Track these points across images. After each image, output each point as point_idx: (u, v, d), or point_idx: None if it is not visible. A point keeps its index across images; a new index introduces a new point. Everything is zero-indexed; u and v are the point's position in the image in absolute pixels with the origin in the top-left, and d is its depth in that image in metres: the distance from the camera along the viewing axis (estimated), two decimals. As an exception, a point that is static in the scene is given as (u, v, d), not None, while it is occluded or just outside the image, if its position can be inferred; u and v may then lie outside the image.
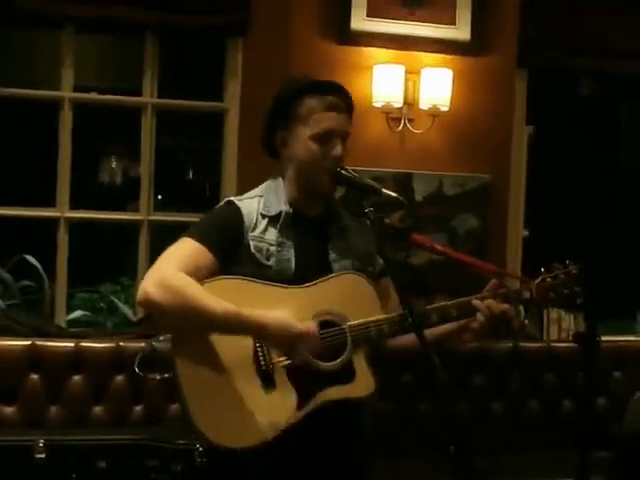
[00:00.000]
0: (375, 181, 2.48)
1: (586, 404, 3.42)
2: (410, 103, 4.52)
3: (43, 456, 3.57)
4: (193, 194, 7.11)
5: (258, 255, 2.39)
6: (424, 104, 4.49)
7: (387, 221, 2.40)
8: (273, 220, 2.45)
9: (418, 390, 4.21)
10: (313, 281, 2.39)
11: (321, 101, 2.42)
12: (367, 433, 2.56)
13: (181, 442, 3.47)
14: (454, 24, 4.58)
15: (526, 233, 4.87)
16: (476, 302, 2.44)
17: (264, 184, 2.55)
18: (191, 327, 2.29)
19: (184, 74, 5.80)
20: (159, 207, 4.97)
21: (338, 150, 2.42)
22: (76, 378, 3.99)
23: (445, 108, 4.49)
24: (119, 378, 4.01)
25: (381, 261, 2.55)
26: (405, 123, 4.53)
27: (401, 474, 3.89)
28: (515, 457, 4.13)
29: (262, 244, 2.41)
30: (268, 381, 2.31)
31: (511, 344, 4.37)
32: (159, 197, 7.32)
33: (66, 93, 4.43)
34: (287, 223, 2.45)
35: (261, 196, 2.49)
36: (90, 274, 6.34)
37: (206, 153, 6.33)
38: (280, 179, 2.52)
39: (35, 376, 3.96)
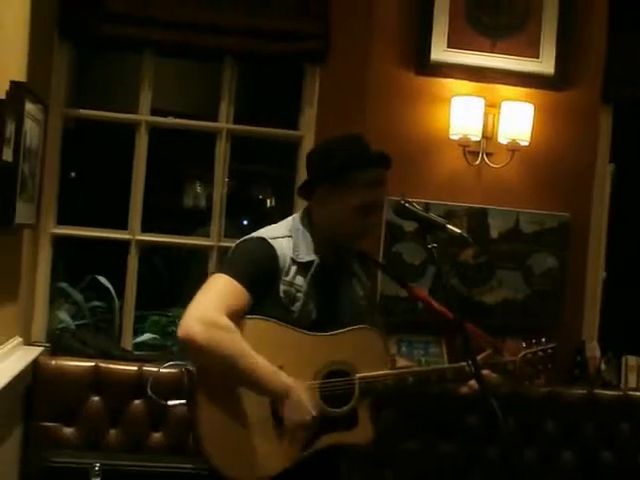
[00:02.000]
0: (448, 216, 2.51)
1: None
2: (489, 137, 4.41)
3: (99, 480, 3.56)
4: (269, 221, 7.08)
5: (285, 300, 2.49)
6: (503, 138, 4.37)
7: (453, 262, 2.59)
8: (302, 268, 2.53)
9: (484, 433, 4.07)
10: (327, 329, 2.53)
11: (370, 174, 2.50)
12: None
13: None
14: (537, 57, 4.46)
15: (605, 275, 4.70)
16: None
17: (289, 221, 2.62)
18: (224, 373, 2.38)
19: (261, 100, 5.80)
20: (239, 232, 4.96)
21: (376, 221, 2.60)
22: (137, 402, 3.98)
23: (525, 143, 4.37)
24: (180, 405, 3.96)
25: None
26: (483, 157, 4.42)
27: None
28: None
29: (291, 289, 2.53)
30: (281, 422, 2.42)
31: (585, 390, 4.21)
32: (244, 222, 7.37)
33: (143, 116, 4.46)
34: (316, 274, 2.53)
35: (290, 236, 2.53)
36: (164, 297, 6.38)
37: (283, 180, 6.33)
38: (306, 221, 2.56)
39: (96, 398, 3.95)
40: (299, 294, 2.48)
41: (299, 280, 2.50)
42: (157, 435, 3.97)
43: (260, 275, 2.44)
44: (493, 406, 2.23)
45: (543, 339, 2.73)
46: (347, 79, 4.42)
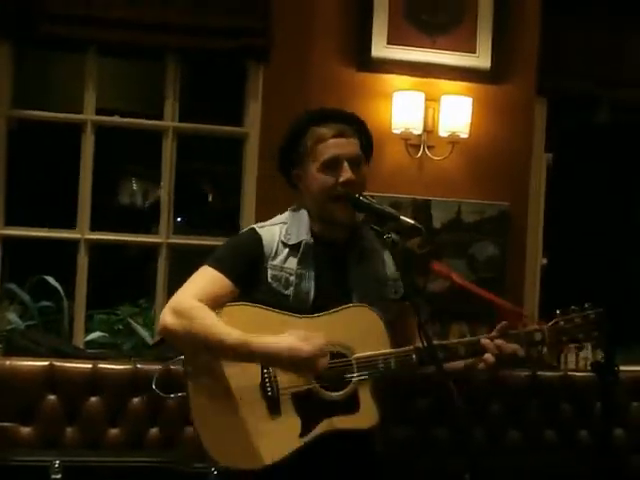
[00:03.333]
0: (394, 207, 2.51)
1: (603, 435, 3.39)
2: (429, 130, 4.53)
3: (59, 477, 3.56)
4: (213, 218, 7.15)
5: (275, 284, 2.44)
6: (443, 131, 4.50)
7: (408, 246, 2.44)
8: (293, 249, 2.48)
9: (434, 416, 4.18)
10: (326, 311, 2.44)
11: (321, 130, 2.47)
12: (379, 460, 2.59)
13: (196, 465, 3.47)
14: (474, 52, 4.60)
15: (545, 261, 4.86)
16: (485, 342, 2.48)
17: (289, 212, 2.59)
18: (204, 354, 2.35)
19: (205, 98, 5.83)
20: (179, 230, 5.00)
21: (345, 175, 2.45)
22: (93, 399, 3.99)
23: (464, 135, 4.50)
24: (136, 400, 4.00)
25: (402, 286, 2.57)
26: (424, 150, 4.54)
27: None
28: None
29: (281, 273, 2.45)
30: (274, 407, 2.37)
31: (529, 372, 4.34)
32: (178, 219, 7.36)
33: (88, 116, 4.47)
34: (307, 253, 2.48)
35: (285, 223, 2.52)
36: (110, 296, 6.37)
37: (227, 177, 6.36)
38: (304, 211, 2.56)
39: (52, 397, 3.96)
40: (291, 277, 2.44)
41: (290, 262, 2.46)
42: (114, 431, 3.98)
43: (241, 261, 2.44)
44: (450, 389, 2.19)
45: (586, 304, 2.52)
46: (290, 75, 4.49)
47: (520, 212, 4.72)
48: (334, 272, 2.52)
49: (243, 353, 2.30)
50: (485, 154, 4.65)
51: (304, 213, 2.56)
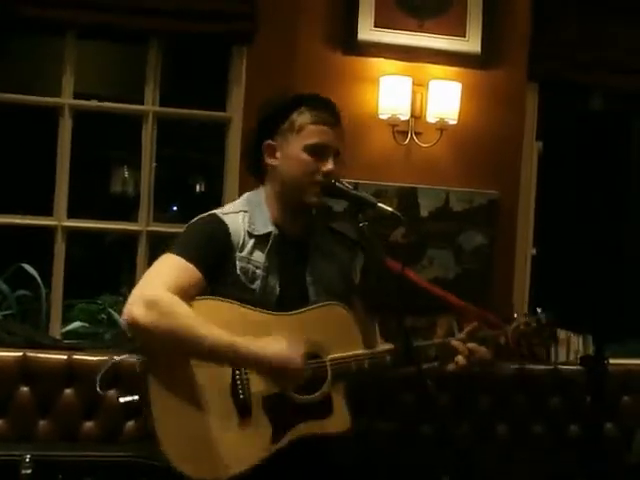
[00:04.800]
0: (379, 195, 2.44)
1: (593, 429, 3.32)
2: (417, 116, 4.42)
3: (30, 472, 3.47)
4: (197, 204, 7.05)
5: (243, 278, 2.34)
6: (431, 117, 4.39)
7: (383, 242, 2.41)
8: (260, 241, 2.38)
9: (419, 411, 4.10)
10: (293, 306, 2.36)
11: (314, 114, 2.40)
12: (343, 466, 2.51)
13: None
14: (464, 36, 4.49)
15: (534, 251, 4.76)
16: (456, 344, 2.46)
17: (245, 197, 2.50)
18: (177, 352, 2.22)
19: (187, 82, 5.73)
20: (167, 218, 4.90)
21: (330, 166, 2.39)
22: (68, 391, 3.89)
23: (453, 122, 4.39)
24: (112, 393, 3.89)
25: (356, 280, 2.56)
26: (412, 136, 4.43)
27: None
28: (518, 481, 4.05)
29: (249, 266, 2.35)
30: (244, 411, 2.26)
31: (517, 365, 4.26)
32: (174, 208, 7.27)
33: (66, 100, 4.36)
34: (274, 246, 2.38)
35: (245, 211, 2.42)
36: (91, 285, 6.27)
37: (211, 162, 6.26)
38: (262, 193, 2.46)
39: (25, 388, 3.85)
40: (258, 270, 2.34)
41: (257, 255, 2.36)
42: (89, 424, 3.89)
43: (210, 251, 2.32)
44: (427, 384, 2.20)
45: (539, 310, 2.60)
46: (274, 59, 4.37)
47: (510, 201, 4.62)
48: (294, 267, 2.45)
49: (226, 356, 2.20)
50: (474, 141, 4.54)
51: (262, 199, 2.47)
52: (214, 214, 2.42)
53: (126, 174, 7.75)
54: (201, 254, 2.31)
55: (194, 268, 2.28)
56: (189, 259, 2.28)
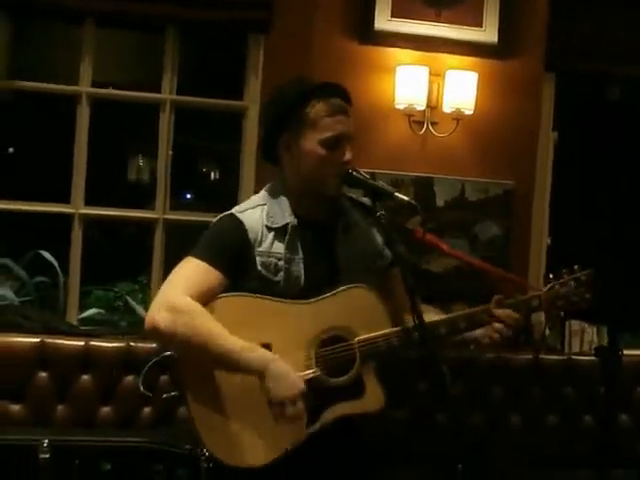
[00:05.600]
0: (396, 185, 2.44)
1: (607, 420, 3.33)
2: (433, 106, 4.43)
3: (47, 456, 3.51)
4: (213, 193, 7.08)
5: (265, 272, 2.36)
6: (448, 107, 4.39)
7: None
8: (279, 233, 2.39)
9: (434, 400, 4.11)
10: (323, 291, 2.37)
11: (328, 104, 2.39)
12: (367, 450, 2.54)
13: (188, 447, 3.39)
14: (481, 26, 4.49)
15: (549, 241, 4.76)
16: (496, 310, 2.44)
17: (263, 192, 2.50)
18: (194, 356, 2.27)
19: (205, 71, 5.74)
20: (183, 206, 4.92)
21: (349, 155, 2.40)
22: (85, 377, 3.92)
23: (469, 112, 4.39)
24: (129, 379, 3.92)
25: (388, 253, 2.52)
26: (428, 126, 4.43)
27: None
28: (532, 472, 4.04)
29: (270, 259, 2.36)
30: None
31: (531, 355, 4.26)
32: (187, 196, 7.29)
33: (84, 88, 4.38)
34: (294, 236, 2.39)
35: (264, 204, 2.43)
36: (109, 272, 6.30)
37: (228, 151, 6.27)
38: (279, 186, 2.47)
39: (43, 374, 3.88)
40: (280, 262, 2.36)
41: (277, 247, 2.38)
42: (106, 409, 3.92)
43: (228, 250, 2.35)
44: (442, 371, 2.16)
45: (575, 266, 2.49)
46: (291, 49, 4.38)
47: (525, 191, 4.62)
48: (320, 252, 2.45)
49: (237, 364, 2.25)
50: (490, 131, 4.54)
51: (280, 191, 2.47)
52: (231, 214, 2.44)
53: (141, 162, 7.76)
54: (221, 255, 2.34)
55: (215, 270, 2.33)
56: (206, 260, 2.33)
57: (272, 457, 2.27)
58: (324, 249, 2.45)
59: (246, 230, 2.37)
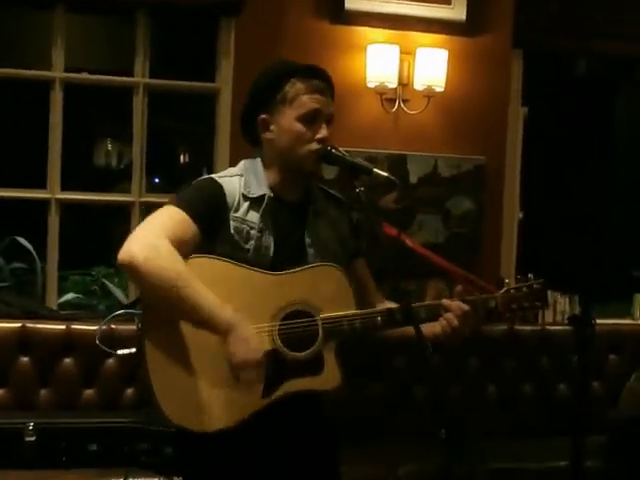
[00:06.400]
0: (369, 162, 2.46)
1: (581, 388, 3.40)
2: (405, 84, 4.47)
3: (33, 439, 3.56)
4: (186, 175, 7.09)
5: (237, 237, 2.37)
6: (419, 85, 4.44)
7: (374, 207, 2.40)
8: (255, 203, 2.41)
9: (410, 373, 4.18)
10: (289, 268, 2.38)
11: (306, 84, 2.42)
12: (329, 426, 2.54)
13: (170, 426, 3.44)
14: (449, 4, 4.52)
15: (521, 215, 4.84)
16: (447, 302, 2.45)
17: (241, 164, 2.52)
18: (162, 297, 2.24)
19: (176, 54, 5.75)
20: (154, 189, 4.94)
21: (324, 131, 2.41)
22: (67, 361, 3.97)
23: (440, 89, 4.44)
24: (110, 361, 3.98)
25: (353, 243, 2.57)
26: (399, 104, 4.48)
27: (392, 457, 3.87)
28: (508, 441, 4.13)
29: (243, 226, 2.38)
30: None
31: (506, 326, 4.34)
32: (155, 180, 7.29)
33: (57, 73, 4.39)
34: (269, 208, 2.43)
35: (241, 175, 2.46)
36: (84, 256, 6.31)
37: (199, 134, 6.29)
38: (258, 160, 2.50)
39: (25, 359, 3.93)
40: (252, 231, 2.37)
41: (252, 216, 2.38)
42: (89, 392, 3.97)
43: (206, 207, 2.35)
44: (426, 346, 2.23)
45: (530, 275, 2.59)
46: (263, 30, 4.40)
47: (496, 166, 4.69)
48: (290, 230, 2.46)
49: (203, 310, 2.23)
50: (461, 108, 4.59)
51: (259, 165, 2.50)
52: (211, 177, 2.46)
53: (109, 147, 7.75)
54: (197, 208, 2.33)
55: (190, 220, 2.32)
56: (185, 210, 2.32)
57: (226, 423, 2.26)
58: (294, 228, 2.47)
59: (225, 194, 2.39)
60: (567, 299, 4.63)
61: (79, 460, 3.59)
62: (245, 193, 2.41)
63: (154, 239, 2.24)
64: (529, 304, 2.56)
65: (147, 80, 4.49)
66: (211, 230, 2.35)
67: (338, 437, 2.59)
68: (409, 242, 2.69)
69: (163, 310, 2.27)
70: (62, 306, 4.98)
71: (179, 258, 2.24)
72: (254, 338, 2.26)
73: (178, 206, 2.32)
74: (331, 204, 2.57)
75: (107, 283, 5.71)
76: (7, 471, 3.49)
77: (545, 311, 4.61)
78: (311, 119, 2.41)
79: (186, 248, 2.29)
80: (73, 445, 3.60)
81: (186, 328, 2.28)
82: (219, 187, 2.39)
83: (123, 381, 3.97)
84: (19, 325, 3.93)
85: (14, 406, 3.87)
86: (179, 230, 2.29)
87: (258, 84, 2.48)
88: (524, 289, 2.55)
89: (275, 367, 2.32)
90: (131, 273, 2.24)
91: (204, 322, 2.25)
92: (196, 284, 2.24)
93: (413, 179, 4.51)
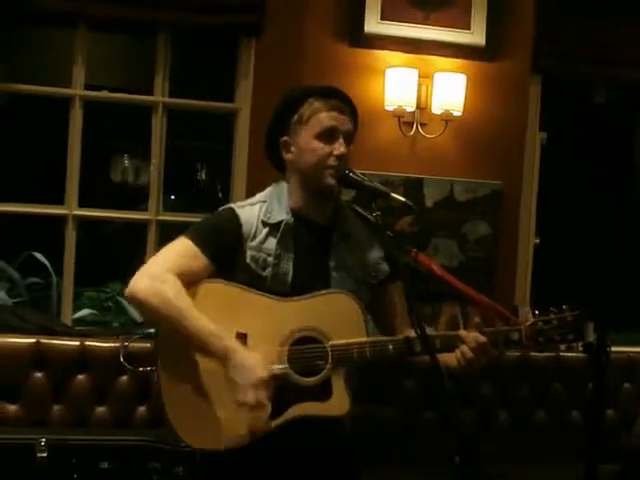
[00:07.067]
0: (385, 185, 2.48)
1: (594, 416, 3.38)
2: (423, 107, 4.48)
3: (45, 455, 3.55)
4: (204, 195, 7.11)
5: (254, 266, 2.41)
6: (437, 109, 4.45)
7: (390, 231, 2.39)
8: (274, 229, 2.44)
9: (422, 397, 4.16)
10: (311, 292, 2.40)
11: (323, 102, 2.46)
12: (347, 444, 2.56)
13: (183, 444, 3.43)
14: (469, 29, 4.54)
15: (537, 241, 4.82)
16: (464, 334, 2.44)
17: (268, 189, 2.56)
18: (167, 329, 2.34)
19: (196, 74, 5.78)
20: (170, 207, 4.95)
21: (342, 148, 2.44)
22: (80, 377, 3.96)
23: (458, 113, 4.45)
24: (123, 378, 3.97)
25: (386, 267, 2.57)
26: (417, 127, 4.49)
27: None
28: (521, 468, 4.10)
29: (260, 254, 2.41)
30: None
31: (519, 353, 4.32)
32: (172, 197, 7.31)
33: (77, 91, 4.42)
34: (287, 233, 2.44)
35: (264, 202, 2.49)
36: (99, 273, 6.32)
37: (217, 154, 6.31)
38: (284, 185, 2.52)
39: (39, 374, 3.93)
40: (269, 258, 2.40)
41: (269, 243, 2.42)
42: (101, 409, 3.96)
43: (219, 240, 2.40)
44: (444, 379, 2.21)
45: (565, 306, 2.50)
46: (282, 51, 4.43)
47: (513, 191, 4.69)
48: (314, 254, 2.48)
49: (203, 344, 2.30)
50: (479, 132, 4.60)
51: (284, 189, 2.52)
52: (230, 207, 2.49)
53: (126, 163, 7.78)
54: (209, 241, 2.40)
55: (203, 256, 2.37)
56: (197, 244, 2.38)
57: (240, 443, 2.31)
58: (318, 251, 2.49)
59: (240, 224, 2.43)
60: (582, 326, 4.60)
61: (90, 477, 3.58)
62: (264, 219, 2.44)
63: (160, 274, 2.33)
64: (559, 337, 2.49)
65: (166, 99, 4.51)
66: (225, 262, 2.40)
67: (357, 455, 2.60)
68: (439, 271, 2.66)
69: (173, 337, 2.34)
70: (76, 322, 4.99)
71: (182, 292, 2.31)
72: (253, 364, 2.28)
73: (191, 239, 2.37)
74: (363, 226, 2.57)
75: (121, 300, 5.72)
76: (18, 487, 3.50)
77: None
78: (328, 136, 2.45)
79: (194, 278, 2.36)
80: (85, 462, 3.59)
81: (197, 353, 2.34)
82: (235, 218, 2.43)
83: (136, 399, 3.97)
84: (33, 341, 3.93)
85: (26, 422, 3.87)
86: (188, 264, 2.36)
87: (278, 108, 2.52)
88: (554, 321, 2.49)
89: (283, 391, 2.35)
90: (137, 307, 2.41)
91: (206, 351, 2.31)
92: (195, 316, 2.30)
93: (429, 203, 4.51)
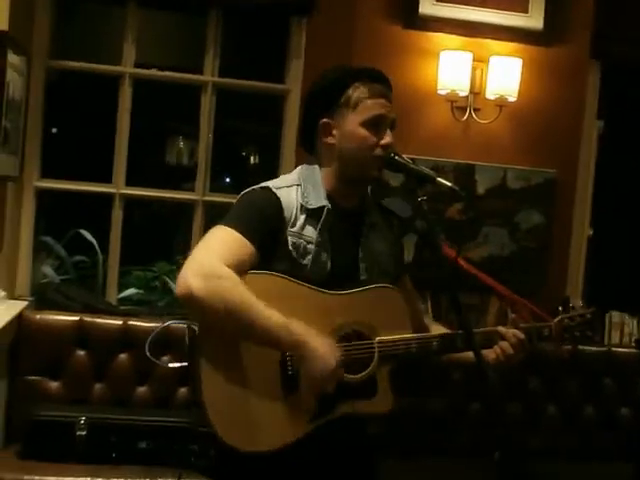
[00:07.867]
0: (435, 171, 2.38)
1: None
2: (476, 92, 4.38)
3: (84, 433, 3.56)
4: (253, 176, 7.08)
5: (295, 253, 2.29)
6: (491, 94, 4.34)
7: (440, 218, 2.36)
8: (312, 215, 2.33)
9: (469, 389, 4.09)
10: (343, 282, 2.33)
11: (370, 88, 2.36)
12: (371, 444, 2.51)
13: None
14: (527, 12, 4.42)
15: (590, 232, 4.70)
16: (503, 330, 2.44)
17: (298, 170, 2.44)
18: (228, 327, 2.18)
19: (246, 54, 5.73)
20: (222, 189, 4.92)
21: (388, 138, 2.35)
22: (122, 357, 3.96)
23: (513, 99, 4.34)
24: (165, 359, 3.95)
25: (403, 259, 2.56)
26: (470, 113, 4.39)
27: (441, 476, 3.80)
28: (567, 464, 4.02)
29: (300, 241, 2.30)
30: (291, 386, 2.23)
31: (570, 347, 4.22)
32: (227, 180, 7.31)
33: (127, 68, 4.40)
34: (327, 221, 2.35)
35: (299, 185, 2.38)
36: (148, 252, 6.33)
37: (268, 135, 6.27)
38: (317, 168, 2.42)
39: (82, 352, 3.93)
40: (310, 245, 2.29)
41: (309, 230, 2.31)
42: (142, 389, 3.96)
43: (263, 226, 2.25)
44: (488, 375, 2.17)
45: (580, 303, 2.64)
46: (334, 32, 4.35)
47: (568, 180, 4.57)
48: (346, 243, 2.40)
49: (277, 337, 2.16)
50: (534, 119, 4.49)
51: (317, 174, 2.42)
52: (267, 187, 2.36)
53: (181, 144, 7.78)
54: (254, 228, 2.24)
55: (246, 242, 2.22)
56: (241, 232, 2.22)
57: (279, 444, 2.21)
58: (349, 241, 2.41)
59: (282, 208, 2.31)
60: (635, 321, 4.49)
61: (129, 457, 3.59)
62: (303, 204, 2.33)
63: (211, 267, 2.14)
64: (580, 333, 2.55)
65: (216, 79, 4.47)
66: (268, 248, 2.25)
67: (377, 453, 2.54)
68: (464, 265, 2.63)
69: (222, 334, 2.20)
70: (122, 301, 4.99)
71: (239, 282, 2.16)
72: (326, 350, 2.18)
73: (232, 226, 2.22)
74: (384, 217, 2.52)
75: (168, 280, 5.71)
76: (57, 464, 3.50)
77: (612, 332, 4.48)
78: (375, 124, 2.35)
79: (244, 268, 2.20)
80: (123, 441, 3.59)
81: (241, 347, 2.21)
82: (277, 201, 2.30)
83: (176, 380, 3.95)
84: (77, 319, 3.94)
85: (67, 399, 3.87)
86: (235, 253, 2.18)
87: (320, 87, 2.42)
88: (577, 318, 2.55)
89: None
90: (193, 306, 2.15)
91: (273, 344, 2.18)
92: (259, 307, 2.15)
93: (481, 190, 4.41)
